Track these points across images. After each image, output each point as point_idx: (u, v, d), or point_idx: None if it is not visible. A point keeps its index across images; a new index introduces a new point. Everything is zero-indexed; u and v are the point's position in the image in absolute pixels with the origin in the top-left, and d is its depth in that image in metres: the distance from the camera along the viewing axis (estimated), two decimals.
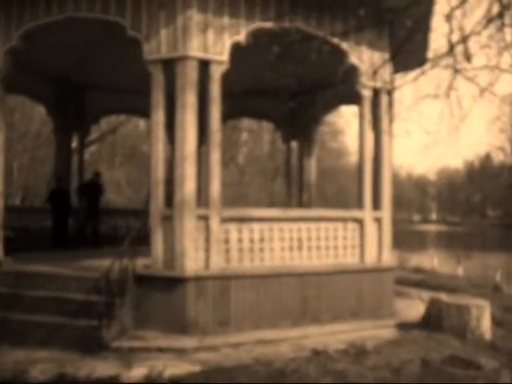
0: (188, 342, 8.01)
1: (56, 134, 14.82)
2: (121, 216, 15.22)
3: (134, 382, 6.41)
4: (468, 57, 6.42)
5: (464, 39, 6.13)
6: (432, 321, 9.27)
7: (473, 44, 6.90)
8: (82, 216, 13.84)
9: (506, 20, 6.01)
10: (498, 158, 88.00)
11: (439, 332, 8.93)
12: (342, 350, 7.81)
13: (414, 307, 11.07)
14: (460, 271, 19.34)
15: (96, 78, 14.18)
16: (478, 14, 6.51)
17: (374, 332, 9.09)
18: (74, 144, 16.70)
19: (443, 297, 9.72)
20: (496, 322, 9.66)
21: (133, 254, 8.60)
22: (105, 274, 8.10)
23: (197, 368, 6.94)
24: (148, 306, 8.60)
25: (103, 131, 33.19)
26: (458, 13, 6.70)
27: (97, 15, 9.10)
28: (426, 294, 11.52)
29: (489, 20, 5.90)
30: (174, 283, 8.59)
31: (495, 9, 6.03)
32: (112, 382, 6.41)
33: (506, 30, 6.50)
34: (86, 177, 15.62)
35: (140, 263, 8.78)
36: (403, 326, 9.46)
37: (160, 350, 7.65)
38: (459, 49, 6.71)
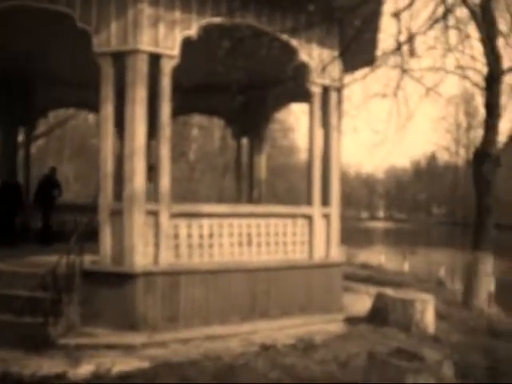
0: (137, 338, 7.96)
1: (1, 127, 14.40)
2: (69, 211, 14.92)
3: (81, 379, 6.31)
4: (412, 52, 6.59)
5: (410, 38, 6.29)
6: (378, 315, 9.47)
7: (419, 45, 7.12)
8: (28, 211, 13.54)
9: (450, 22, 6.20)
10: (444, 157, 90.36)
11: (385, 326, 9.13)
12: (290, 345, 7.90)
13: (361, 302, 11.29)
14: (406, 267, 19.78)
15: (44, 71, 13.84)
16: (424, 15, 6.69)
17: (323, 326, 9.23)
18: (21, 138, 16.29)
19: (389, 292, 9.94)
20: (439, 316, 9.94)
21: (80, 249, 8.47)
22: (51, 270, 7.96)
23: (146, 364, 6.90)
24: (96, 303, 8.48)
25: (51, 124, 32.50)
26: (405, 14, 6.88)
27: (45, 5, 8.87)
28: (373, 289, 11.73)
29: (434, 21, 6.07)
30: (122, 279, 8.50)
31: (440, 11, 6.21)
32: (59, 379, 6.30)
33: (451, 32, 6.71)
34: (33, 172, 15.26)
35: (88, 259, 8.65)
36: (351, 321, 9.64)
37: (108, 346, 7.56)
38: (406, 49, 6.89)
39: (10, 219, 12.97)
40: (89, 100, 12.47)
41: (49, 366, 6.73)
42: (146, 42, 8.63)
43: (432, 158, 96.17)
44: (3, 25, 10.14)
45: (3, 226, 12.83)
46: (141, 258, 8.52)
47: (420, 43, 7.00)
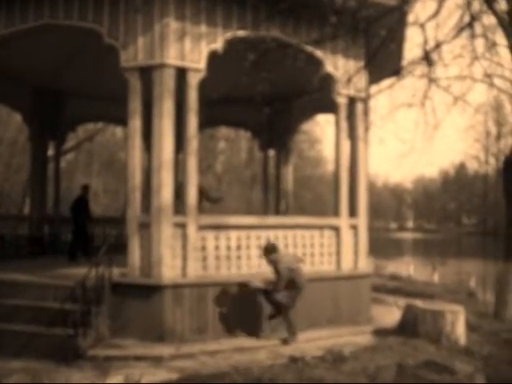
0: (165, 349, 7.98)
1: (32, 141, 14.66)
2: (98, 224, 15.12)
3: None
4: (431, 62, 6.56)
5: (437, 47, 6.26)
6: (408, 327, 9.35)
7: (446, 54, 7.05)
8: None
9: (477, 30, 6.15)
10: (473, 166, 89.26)
11: (415, 338, 9.01)
12: (319, 357, 7.83)
13: (390, 314, 11.17)
14: (435, 278, 19.54)
15: (73, 85, 14.10)
16: (450, 24, 6.66)
17: (351, 338, 9.14)
18: (50, 152, 16.57)
19: (419, 303, 9.82)
20: (470, 328, 9.78)
21: (109, 261, 8.56)
22: (81, 282, 8.05)
23: (174, 376, 6.92)
24: (125, 314, 8.54)
25: (80, 139, 32.98)
26: (431, 24, 6.85)
27: (74, 22, 9.07)
28: (402, 301, 11.62)
29: (460, 29, 6.04)
30: (150, 291, 8.55)
31: (466, 19, 6.18)
32: None
33: (478, 40, 6.66)
34: (63, 186, 15.45)
35: (117, 271, 8.73)
36: (380, 333, 9.53)
37: (137, 358, 7.60)
38: (432, 58, 6.85)
39: (84, 232, 13.03)
40: (117, 114, 12.63)
41: (78, 377, 6.80)
42: (172, 56, 8.73)
43: (461, 167, 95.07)
44: (34, 42, 10.38)
45: (77, 241, 12.87)
46: (169, 270, 8.57)
47: (447, 52, 6.95)
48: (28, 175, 24.00)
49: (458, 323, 9.13)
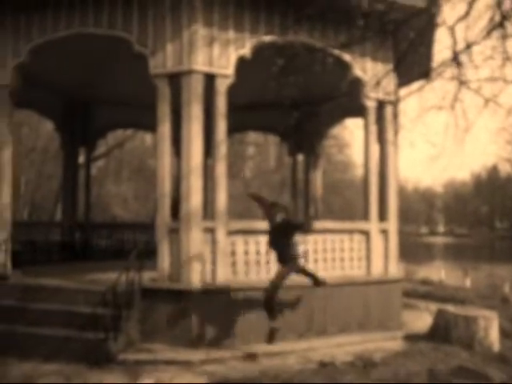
0: (195, 354, 8.00)
1: (63, 148, 14.91)
2: (128, 230, 15.28)
3: None
4: (461, 64, 6.47)
5: (467, 48, 6.18)
6: (439, 332, 9.23)
7: (477, 56, 6.95)
8: None
9: (509, 30, 6.05)
10: (505, 169, 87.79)
11: (447, 343, 8.89)
12: (349, 362, 7.77)
13: (421, 319, 11.03)
14: (468, 283, 19.24)
15: (103, 93, 14.29)
16: (480, 25, 6.57)
17: (382, 344, 9.05)
18: (81, 159, 16.80)
19: (450, 308, 9.68)
20: (504, 334, 9.60)
21: (139, 267, 8.63)
22: (111, 287, 8.12)
23: (204, 380, 6.95)
24: (155, 319, 8.60)
25: (110, 146, 33.38)
26: (462, 25, 6.76)
27: (103, 31, 9.21)
28: (434, 306, 11.46)
29: (490, 29, 5.95)
30: (180, 296, 8.60)
31: (497, 19, 6.08)
32: None
33: (509, 41, 6.55)
34: (93, 192, 15.68)
35: (147, 276, 8.80)
36: (411, 338, 9.42)
37: (166, 362, 7.65)
38: (464, 59, 6.76)
39: None
40: (146, 120, 12.73)
41: (110, 380, 6.87)
42: (200, 63, 8.78)
43: (493, 170, 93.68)
44: (66, 50, 10.55)
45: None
46: (198, 275, 8.60)
47: (477, 53, 6.84)
48: (59, 182, 24.43)
49: (491, 329, 8.98)
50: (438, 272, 22.67)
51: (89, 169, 16.04)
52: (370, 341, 9.21)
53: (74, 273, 10.80)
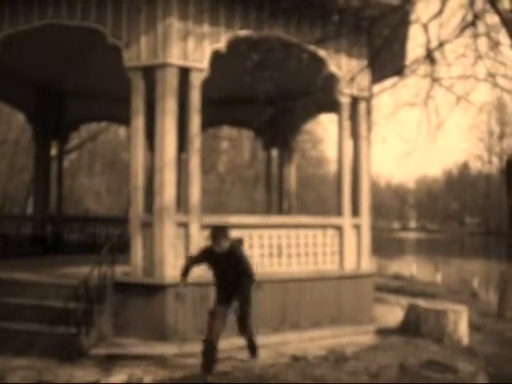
0: (168, 348, 7.99)
1: (35, 141, 14.69)
2: (101, 224, 15.16)
3: None
4: (434, 61, 6.56)
5: (440, 45, 6.26)
6: (410, 326, 9.35)
7: (449, 54, 7.04)
8: None
9: (480, 29, 6.15)
10: (476, 166, 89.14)
11: (417, 337, 9.02)
12: (321, 356, 7.84)
13: (392, 313, 11.17)
14: (438, 278, 19.52)
15: (76, 85, 14.13)
16: (453, 23, 6.65)
17: (354, 338, 9.14)
18: (54, 151, 16.60)
19: (421, 303, 9.82)
20: (473, 327, 9.77)
21: (112, 261, 8.57)
22: (84, 281, 8.06)
23: (177, 374, 6.93)
24: (127, 314, 8.56)
25: (83, 138, 33.05)
26: (435, 23, 6.84)
27: (77, 22, 9.08)
28: (405, 300, 11.61)
29: (463, 28, 6.04)
30: (153, 290, 8.57)
31: (469, 18, 6.17)
32: None
33: (481, 40, 6.65)
34: (66, 185, 15.53)
35: (119, 270, 8.75)
36: (382, 332, 9.54)
37: (139, 357, 7.61)
38: (437, 57, 6.84)
39: None
40: (119, 113, 12.64)
41: (81, 375, 6.81)
42: (175, 56, 8.74)
43: (464, 167, 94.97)
44: (37, 42, 10.40)
45: None
46: (171, 269, 8.58)
47: (450, 51, 6.94)
48: (31, 175, 24.09)
49: (460, 323, 9.13)
50: (410, 267, 22.98)
51: (61, 161, 15.85)
52: (342, 335, 9.30)
53: (46, 267, 10.69)
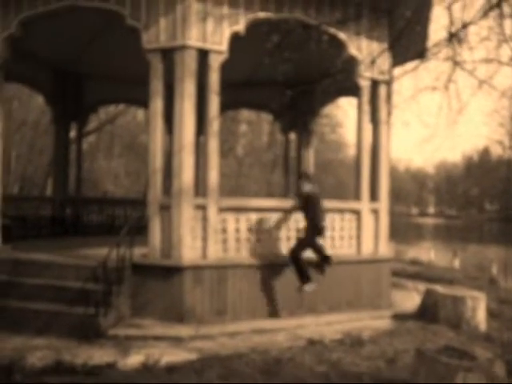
0: (185, 330, 8.05)
1: (54, 123, 14.77)
2: (119, 206, 15.25)
3: (130, 369, 6.44)
4: (461, 41, 6.43)
5: (463, 28, 6.13)
6: (428, 312, 9.32)
7: (472, 37, 6.90)
8: None
9: (505, 10, 6.01)
10: (497, 151, 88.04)
11: (434, 323, 8.98)
12: (337, 340, 7.85)
13: (410, 298, 11.14)
14: (456, 264, 19.39)
15: (95, 67, 14.14)
16: (477, 6, 6.51)
17: (371, 322, 9.14)
18: (73, 134, 16.69)
19: (439, 288, 9.76)
20: (491, 314, 9.72)
21: (130, 242, 8.62)
22: (102, 262, 8.13)
23: (193, 356, 6.98)
24: (145, 295, 8.62)
25: (102, 121, 33.17)
26: (458, 5, 6.70)
27: (96, 4, 9.06)
28: (422, 286, 11.57)
29: (488, 9, 5.90)
30: (171, 272, 8.61)
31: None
32: (109, 368, 6.43)
33: (506, 22, 6.50)
34: (85, 167, 15.62)
35: (137, 252, 8.80)
36: (399, 317, 9.51)
37: (157, 338, 7.68)
38: (458, 40, 6.71)
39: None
40: (138, 96, 12.63)
41: (99, 355, 6.89)
42: (194, 38, 8.69)
43: (485, 153, 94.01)
44: (58, 23, 10.41)
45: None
46: (189, 251, 8.62)
47: (473, 34, 6.79)
48: (50, 157, 24.28)
49: (478, 309, 9.07)
50: (428, 252, 22.85)
51: (80, 144, 15.94)
52: (359, 319, 9.30)
53: (65, 248, 10.79)
